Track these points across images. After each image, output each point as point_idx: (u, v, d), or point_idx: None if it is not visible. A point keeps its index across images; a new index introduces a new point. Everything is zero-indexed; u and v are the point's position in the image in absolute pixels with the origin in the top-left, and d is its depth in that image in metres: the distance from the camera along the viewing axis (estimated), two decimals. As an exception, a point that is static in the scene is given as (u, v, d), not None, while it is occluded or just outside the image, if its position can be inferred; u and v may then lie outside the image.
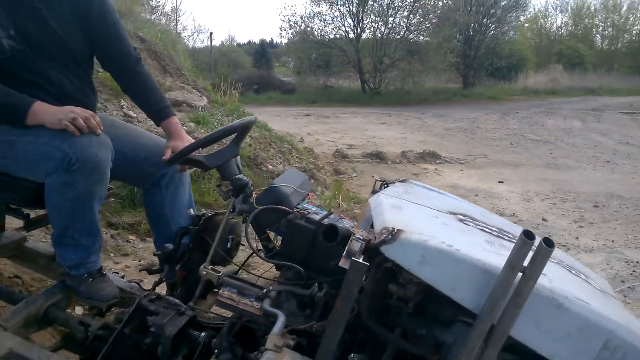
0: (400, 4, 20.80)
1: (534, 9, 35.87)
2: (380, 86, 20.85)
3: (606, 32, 36.91)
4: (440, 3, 22.62)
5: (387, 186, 2.01)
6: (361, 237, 1.32)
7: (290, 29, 22.56)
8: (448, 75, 24.52)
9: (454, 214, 1.71)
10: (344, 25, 21.55)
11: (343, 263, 1.27)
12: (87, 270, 1.97)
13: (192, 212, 2.15)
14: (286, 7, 50.01)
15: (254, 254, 1.82)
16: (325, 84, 22.01)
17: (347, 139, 10.46)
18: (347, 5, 21.06)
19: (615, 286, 3.98)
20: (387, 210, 1.54)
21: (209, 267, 1.78)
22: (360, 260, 1.23)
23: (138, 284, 2.21)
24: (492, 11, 23.96)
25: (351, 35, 21.42)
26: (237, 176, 1.92)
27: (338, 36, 21.84)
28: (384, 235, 1.29)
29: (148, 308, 1.77)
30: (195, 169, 2.20)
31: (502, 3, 24.05)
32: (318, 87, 21.54)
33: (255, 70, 25.12)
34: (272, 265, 1.89)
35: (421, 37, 21.79)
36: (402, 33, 21.09)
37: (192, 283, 2.00)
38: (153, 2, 14.68)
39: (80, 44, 2.00)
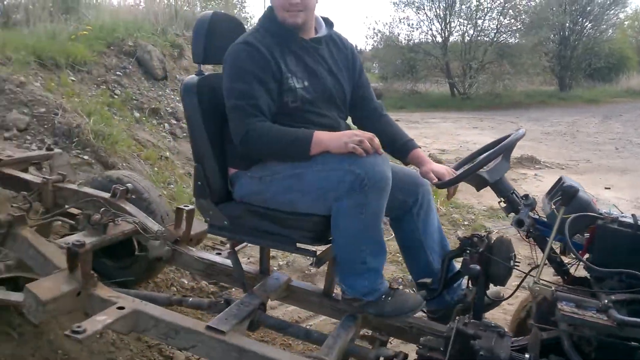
0: (489, 5, 20.20)
1: (635, 5, 33.60)
2: (470, 90, 20.31)
3: None
4: (533, 3, 21.72)
5: None
6: None
7: (377, 35, 22.56)
8: (542, 77, 23.49)
9: None
10: (431, 30, 21.24)
11: None
12: (382, 292, 2.01)
13: (460, 234, 2.20)
14: (368, 16, 50.39)
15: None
16: (412, 89, 21.74)
17: (439, 144, 10.27)
18: (434, 9, 20.75)
19: None
20: None
21: (540, 282, 1.75)
22: None
23: (424, 311, 2.24)
24: (588, 9, 22.69)
25: (438, 39, 21.08)
26: (513, 192, 2.00)
27: (424, 40, 21.55)
28: None
29: (468, 332, 1.75)
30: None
31: (599, 0, 22.70)
32: (405, 93, 21.30)
33: (342, 77, 25.20)
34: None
35: (512, 39, 21.06)
36: (491, 35, 20.48)
37: (480, 304, 2.02)
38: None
39: (348, 90, 2.21)
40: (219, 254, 2.67)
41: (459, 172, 2.16)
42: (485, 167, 2.01)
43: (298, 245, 2.05)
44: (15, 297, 2.07)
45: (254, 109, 1.95)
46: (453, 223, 5.27)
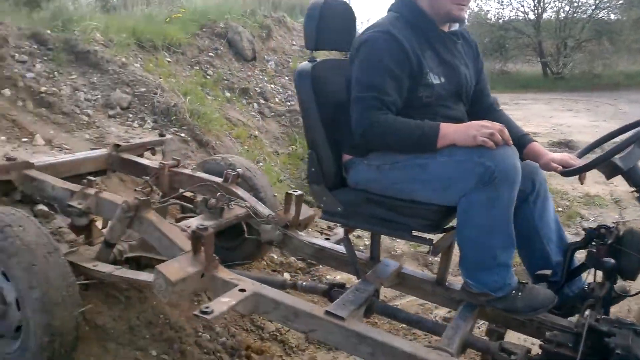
0: (588, -21, 18.95)
1: None
2: (564, 70, 19.25)
3: None
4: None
5: None
6: None
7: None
8: (645, 56, 21.84)
9: None
10: (523, 6, 20.26)
11: None
12: (512, 287, 1.95)
13: (586, 225, 2.15)
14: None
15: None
16: (501, 69, 20.92)
17: (530, 126, 9.83)
18: (527, -15, 19.77)
19: None
20: None
21: None
22: None
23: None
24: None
25: (531, 16, 20.07)
26: None
27: (515, 18, 20.60)
28: None
29: (601, 329, 1.71)
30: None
31: None
32: (494, 72, 20.52)
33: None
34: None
35: (612, 15, 19.69)
36: (589, 11, 19.24)
37: (609, 298, 1.97)
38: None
39: (473, 85, 2.21)
40: (328, 239, 2.72)
41: (582, 159, 2.06)
42: (618, 154, 1.90)
43: (414, 233, 2.03)
44: (144, 276, 2.18)
45: (381, 104, 1.91)
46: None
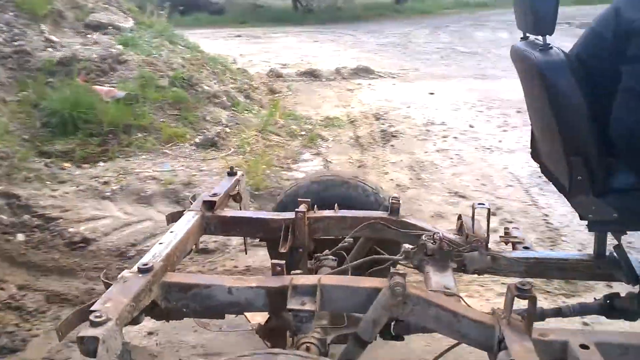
0: None
1: None
2: (312, 3, 20.35)
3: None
4: None
5: None
6: None
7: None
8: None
9: None
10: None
11: None
12: None
13: None
14: None
15: None
16: (254, 4, 21.27)
17: (280, 58, 10.37)
18: None
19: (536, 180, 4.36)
20: None
21: None
22: None
23: None
24: None
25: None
26: None
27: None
28: None
29: None
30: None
31: None
32: (247, 7, 20.80)
33: (180, -9, 23.85)
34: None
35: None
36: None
37: None
38: None
39: None
40: (527, 247, 2.31)
41: None
42: None
43: None
44: None
45: None
46: (291, 134, 5.50)
